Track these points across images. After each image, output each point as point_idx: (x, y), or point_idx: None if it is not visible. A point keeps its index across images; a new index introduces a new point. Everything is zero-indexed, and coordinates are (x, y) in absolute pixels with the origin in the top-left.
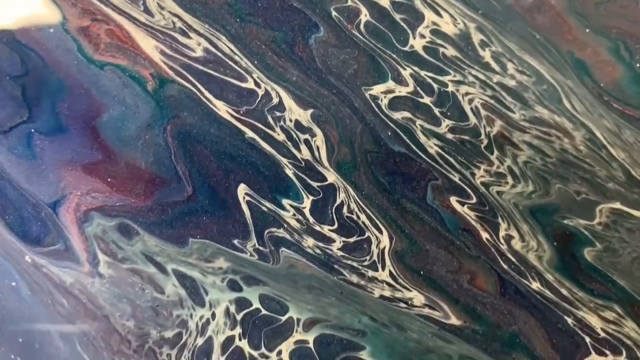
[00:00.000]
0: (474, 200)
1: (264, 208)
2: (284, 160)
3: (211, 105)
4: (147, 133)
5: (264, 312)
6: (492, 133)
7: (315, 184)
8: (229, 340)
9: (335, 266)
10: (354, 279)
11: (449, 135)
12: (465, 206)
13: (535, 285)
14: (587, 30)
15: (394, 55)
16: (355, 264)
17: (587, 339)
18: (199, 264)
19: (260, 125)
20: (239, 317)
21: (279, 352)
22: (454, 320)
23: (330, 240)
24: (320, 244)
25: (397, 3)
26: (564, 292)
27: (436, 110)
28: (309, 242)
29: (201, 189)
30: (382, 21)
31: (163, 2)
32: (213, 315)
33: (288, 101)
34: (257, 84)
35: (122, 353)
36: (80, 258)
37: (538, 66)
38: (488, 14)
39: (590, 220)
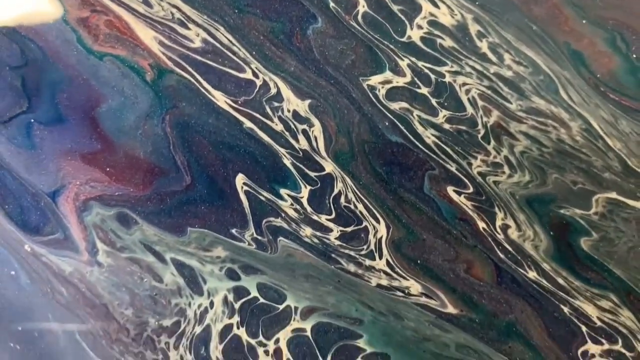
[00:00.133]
0: (471, 190)
1: (262, 198)
2: (282, 150)
3: (209, 96)
4: (145, 123)
5: (261, 300)
6: (489, 123)
7: (313, 174)
8: (227, 328)
9: (333, 255)
10: (352, 268)
11: (446, 126)
12: (462, 196)
13: (532, 274)
14: (584, 22)
15: (392, 46)
16: (352, 253)
17: (584, 328)
18: (198, 253)
19: (258, 116)
20: (237, 305)
21: (277, 340)
22: (450, 309)
23: (328, 230)
24: (318, 233)
25: None
26: (561, 281)
27: (433, 101)
28: (306, 231)
29: (199, 179)
30: (380, 12)
31: None
32: (211, 304)
33: (286, 91)
34: (255, 75)
35: (120, 341)
36: (79, 247)
37: (535, 57)
38: (485, 5)
39: (586, 210)
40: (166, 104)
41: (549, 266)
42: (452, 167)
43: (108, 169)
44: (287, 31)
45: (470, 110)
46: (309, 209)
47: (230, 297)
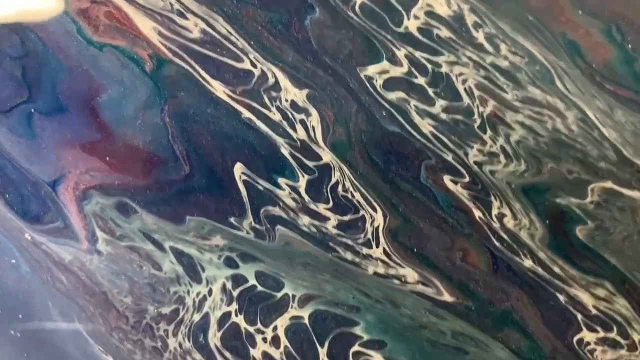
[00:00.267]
0: (467, 179)
1: (260, 187)
2: (280, 140)
3: (208, 86)
4: (145, 113)
5: (260, 288)
6: (485, 113)
7: (310, 163)
8: (225, 316)
9: (330, 244)
10: (349, 256)
11: (443, 115)
12: (459, 185)
13: (528, 262)
14: (580, 12)
15: (389, 37)
16: (349, 242)
17: (579, 316)
18: (196, 241)
19: (256, 105)
20: (235, 293)
21: (275, 328)
22: (446, 297)
23: (326, 219)
24: (316, 222)
25: None
26: (556, 269)
27: (430, 91)
28: (304, 220)
29: (198, 168)
30: (377, 2)
31: None
32: (210, 292)
33: (284, 81)
34: (253, 65)
35: (119, 329)
36: (79, 236)
37: (531, 47)
38: None
39: (582, 199)
40: (165, 94)
41: (544, 255)
42: (449, 157)
43: (108, 159)
44: (285, 21)
45: (466, 100)
46: (306, 198)
47: (229, 285)
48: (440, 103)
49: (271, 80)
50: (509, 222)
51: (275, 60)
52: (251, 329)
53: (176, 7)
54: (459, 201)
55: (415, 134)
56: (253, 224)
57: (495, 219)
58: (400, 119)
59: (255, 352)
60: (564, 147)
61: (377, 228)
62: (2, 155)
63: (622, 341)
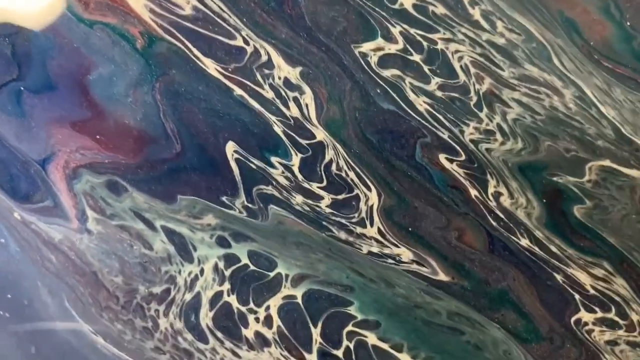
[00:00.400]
0: (463, 157)
1: (252, 165)
2: (273, 118)
3: (200, 63)
4: (136, 91)
5: (252, 268)
6: (481, 91)
7: (304, 142)
8: (217, 295)
9: (324, 223)
10: (343, 235)
11: (439, 93)
12: (454, 163)
13: (525, 242)
14: None
15: (384, 13)
16: (343, 221)
17: (577, 296)
18: (188, 220)
19: (248, 83)
20: (227, 273)
21: (267, 308)
22: (442, 277)
23: (319, 198)
24: (309, 201)
25: None
26: (554, 249)
27: (426, 68)
28: (297, 199)
29: (190, 147)
30: None
31: None
32: (201, 271)
33: (277, 59)
34: (245, 42)
35: (110, 309)
36: (69, 215)
37: (528, 24)
38: None
39: (579, 178)
40: (156, 72)
41: (541, 234)
42: (444, 135)
43: (98, 137)
44: None
45: (462, 77)
46: (300, 176)
47: (221, 265)
48: (436, 80)
49: (264, 58)
50: (506, 200)
51: (268, 37)
52: (243, 309)
53: None
54: (455, 180)
55: (410, 111)
56: (245, 203)
57: (491, 197)
58: (395, 96)
59: (248, 332)
60: (562, 125)
61: (372, 207)
62: None
63: (621, 321)
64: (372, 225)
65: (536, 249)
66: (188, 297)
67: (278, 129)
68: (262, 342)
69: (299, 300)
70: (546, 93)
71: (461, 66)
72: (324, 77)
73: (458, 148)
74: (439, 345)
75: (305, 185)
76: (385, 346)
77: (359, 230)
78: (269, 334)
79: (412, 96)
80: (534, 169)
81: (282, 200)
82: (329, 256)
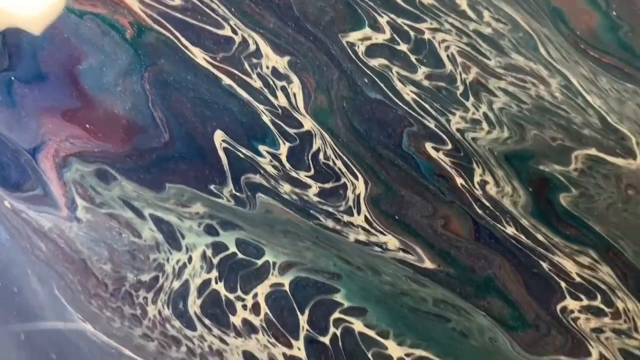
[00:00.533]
0: (449, 146)
1: (240, 154)
2: (261, 107)
3: (188, 53)
4: (125, 80)
5: (240, 256)
6: (468, 80)
7: (291, 131)
8: (205, 283)
9: (312, 211)
10: (330, 223)
11: (425, 82)
12: (441, 152)
13: (510, 230)
14: None
15: (371, 3)
16: (331, 209)
17: (563, 284)
18: (176, 208)
19: (237, 72)
20: (215, 260)
21: (255, 295)
22: (428, 264)
23: (307, 186)
24: (297, 190)
25: None
26: (540, 237)
27: (413, 58)
28: (285, 187)
29: (178, 136)
30: None
31: None
32: (189, 259)
33: (265, 48)
34: (234, 31)
35: (99, 296)
36: (59, 203)
37: (514, 14)
38: None
39: (565, 166)
40: (145, 62)
41: (527, 222)
42: (431, 124)
43: (88, 126)
44: None
45: (449, 67)
46: (287, 165)
47: (209, 253)
48: (423, 70)
49: (252, 47)
50: (492, 189)
51: (256, 27)
52: (231, 296)
53: None
54: (441, 168)
55: (397, 101)
56: (233, 191)
57: (477, 186)
58: (382, 86)
59: (235, 319)
60: (548, 114)
61: (359, 195)
62: None
63: (606, 309)
64: (359, 213)
65: (522, 237)
66: (176, 284)
67: (266, 118)
68: (249, 329)
69: (287, 288)
70: (532, 82)
71: (448, 56)
72: (312, 66)
73: (444, 137)
74: (425, 332)
75: (293, 174)
76: (371, 333)
77: (346, 218)
78: (256, 321)
79: (399, 85)
80: (520, 157)
81: (269, 188)
82: (317, 244)
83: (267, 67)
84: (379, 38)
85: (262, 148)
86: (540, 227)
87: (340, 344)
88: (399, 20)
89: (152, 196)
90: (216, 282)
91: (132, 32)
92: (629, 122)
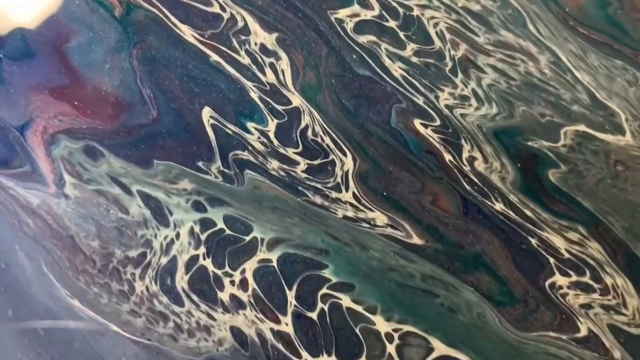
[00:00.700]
0: (438, 122)
1: (228, 131)
2: (249, 84)
3: (177, 30)
4: (113, 57)
5: (228, 232)
6: (456, 56)
7: (280, 107)
8: (193, 259)
9: (300, 188)
10: (318, 200)
11: (414, 59)
12: (429, 128)
13: (499, 206)
14: None
15: None
16: (319, 186)
17: (551, 260)
18: (164, 185)
19: (225, 49)
20: (203, 237)
21: (243, 271)
22: (416, 240)
23: (295, 163)
24: (285, 166)
25: None
26: (528, 213)
27: (401, 34)
28: (273, 164)
29: (166, 112)
30: None
31: None
32: (177, 235)
33: (253, 25)
34: (222, 8)
35: (86, 272)
36: (47, 180)
37: None
38: None
39: (554, 142)
40: (134, 39)
41: (516, 198)
42: (420, 100)
43: (76, 103)
44: None
45: (438, 43)
46: (275, 142)
47: (197, 229)
48: (412, 46)
49: (240, 24)
50: (480, 165)
51: (244, 4)
52: (219, 272)
53: None
54: (430, 145)
55: (386, 77)
56: (221, 168)
57: (465, 162)
58: (371, 62)
59: (223, 295)
60: (537, 90)
61: (347, 172)
62: None
63: (595, 285)
64: (347, 189)
65: (510, 213)
66: (164, 260)
67: (254, 94)
68: (237, 304)
69: (274, 264)
70: (521, 59)
71: (437, 32)
72: (301, 43)
73: (433, 113)
74: (412, 307)
75: (281, 150)
76: (359, 308)
77: (334, 194)
78: (244, 296)
79: (387, 62)
80: (509, 133)
81: (258, 165)
82: (305, 220)
83: (256, 44)
84: (368, 15)
85: (250, 125)
86: (528, 203)
87: (328, 319)
88: None
89: (139, 172)
90: (204, 258)
91: (121, 10)
92: (618, 99)
